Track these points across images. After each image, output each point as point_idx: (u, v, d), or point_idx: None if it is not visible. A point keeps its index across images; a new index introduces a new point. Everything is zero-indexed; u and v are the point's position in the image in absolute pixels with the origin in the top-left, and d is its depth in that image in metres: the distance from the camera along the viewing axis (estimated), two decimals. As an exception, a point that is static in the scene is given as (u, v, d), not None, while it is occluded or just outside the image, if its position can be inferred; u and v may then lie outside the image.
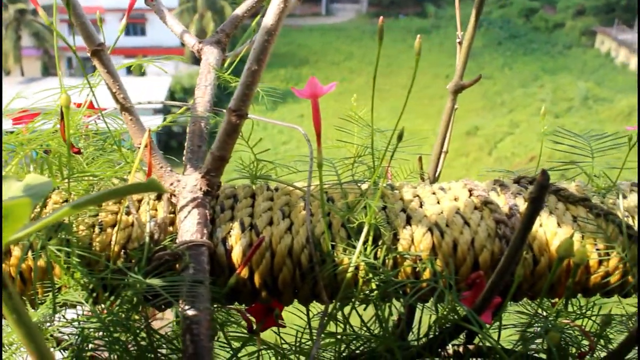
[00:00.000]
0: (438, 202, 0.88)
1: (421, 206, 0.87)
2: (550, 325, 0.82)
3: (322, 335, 0.82)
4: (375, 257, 0.80)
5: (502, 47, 27.93)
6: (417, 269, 0.81)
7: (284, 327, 0.87)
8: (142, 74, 23.10)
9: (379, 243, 0.81)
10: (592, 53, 27.78)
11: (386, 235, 0.81)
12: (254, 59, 0.80)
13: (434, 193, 0.90)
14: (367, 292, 0.80)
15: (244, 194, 0.90)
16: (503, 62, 26.51)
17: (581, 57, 27.34)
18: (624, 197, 0.90)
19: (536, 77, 25.03)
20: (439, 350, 0.85)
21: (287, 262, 0.81)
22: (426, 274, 0.81)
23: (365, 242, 0.80)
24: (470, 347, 0.88)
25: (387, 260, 0.81)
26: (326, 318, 0.80)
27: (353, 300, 0.81)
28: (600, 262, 0.83)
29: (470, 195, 0.89)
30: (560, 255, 0.73)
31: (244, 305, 0.87)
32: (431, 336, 0.82)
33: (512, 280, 0.82)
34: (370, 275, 0.79)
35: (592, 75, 25.28)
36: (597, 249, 0.83)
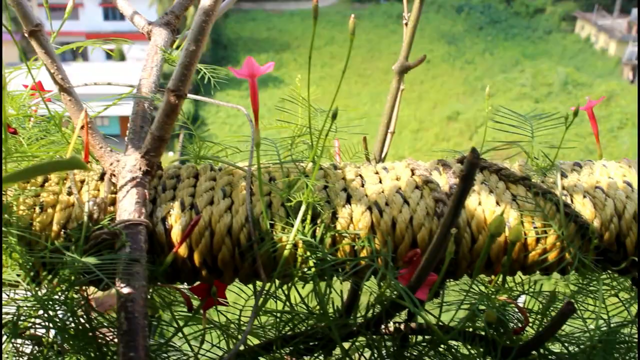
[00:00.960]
0: (380, 182, 0.88)
1: (363, 186, 0.87)
2: (487, 303, 0.83)
3: (264, 313, 0.83)
4: (314, 236, 0.81)
5: (483, 32, 27.96)
6: (356, 247, 0.81)
7: (227, 305, 0.88)
8: (122, 58, 22.93)
9: (318, 222, 0.82)
10: (572, 38, 27.88)
11: (325, 214, 0.82)
12: (192, 40, 0.80)
13: (376, 173, 0.90)
14: (306, 270, 0.81)
15: (187, 174, 0.90)
16: (484, 47, 26.56)
17: (561, 42, 27.44)
18: (564, 176, 0.91)
19: (517, 62, 25.10)
20: (379, 327, 0.86)
21: (226, 241, 0.82)
22: (364, 252, 0.81)
23: (303, 221, 0.81)
24: (412, 324, 0.88)
25: (325, 239, 0.81)
26: (265, 296, 0.80)
27: (294, 278, 0.81)
28: (537, 240, 0.84)
29: (413, 174, 0.89)
30: (491, 233, 0.74)
31: (185, 284, 0.87)
32: (370, 314, 0.82)
33: (452, 258, 0.83)
34: (308, 253, 0.80)
35: (572, 60, 25.40)
36: (535, 227, 0.84)
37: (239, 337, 0.89)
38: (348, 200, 0.84)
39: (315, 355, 0.88)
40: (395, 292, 0.79)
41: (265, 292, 0.81)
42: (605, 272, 0.88)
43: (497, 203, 0.85)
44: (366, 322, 0.82)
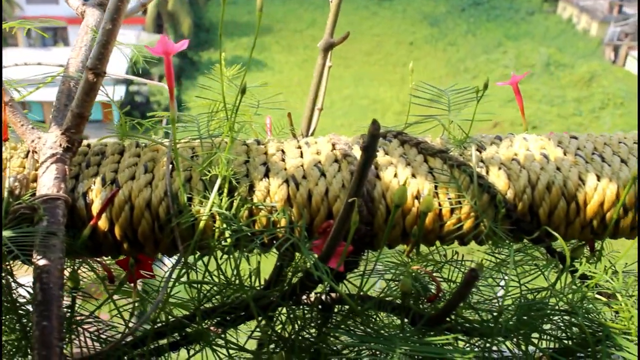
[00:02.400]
0: (301, 156, 0.90)
1: (283, 160, 0.89)
2: (404, 272, 0.85)
3: (184, 285, 0.85)
4: (231, 208, 0.83)
5: (465, 14, 27.95)
6: (272, 219, 0.83)
7: (153, 277, 0.90)
8: (102, 43, 22.74)
9: (235, 195, 0.83)
10: (554, 19, 27.92)
11: (241, 187, 0.84)
12: (108, 19, 0.81)
13: (298, 147, 0.92)
14: (223, 242, 0.83)
15: (112, 151, 0.91)
16: (466, 29, 26.56)
17: (543, 24, 27.48)
18: (483, 148, 0.93)
19: (499, 44, 25.13)
20: (299, 298, 0.88)
21: (145, 215, 0.83)
22: (281, 224, 0.83)
23: (221, 194, 0.83)
24: (333, 295, 0.91)
25: (241, 211, 0.83)
26: (182, 267, 0.82)
27: (211, 250, 0.83)
28: (452, 211, 0.86)
29: (333, 149, 0.91)
30: (395, 203, 0.76)
31: (110, 257, 0.89)
32: (287, 285, 0.84)
33: (370, 230, 0.86)
34: (224, 225, 0.82)
35: (554, 41, 25.45)
36: (449, 198, 0.86)
37: (167, 308, 0.90)
38: (267, 174, 0.86)
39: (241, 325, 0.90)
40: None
41: (183, 263, 0.83)
42: (519, 241, 0.90)
43: (413, 175, 0.87)
44: (284, 293, 0.84)
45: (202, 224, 0.81)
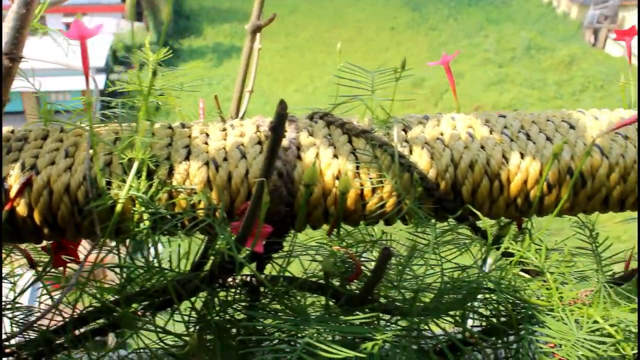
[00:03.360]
0: (225, 139, 0.90)
1: (206, 143, 0.89)
2: (328, 252, 0.85)
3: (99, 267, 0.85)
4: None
5: (446, -2, 27.95)
6: (192, 202, 0.83)
7: (78, 262, 0.89)
8: (84, 32, 22.56)
9: (154, 178, 0.83)
10: (534, 2, 27.94)
11: (160, 170, 0.83)
12: (22, 3, 0.81)
13: (223, 130, 0.92)
14: (143, 225, 0.83)
15: (35, 136, 0.91)
16: (448, 13, 26.55)
17: (524, 7, 27.49)
18: (409, 128, 0.93)
19: (481, 28, 25.15)
20: (224, 280, 0.88)
21: (64, 199, 0.83)
22: (201, 207, 0.83)
23: (139, 178, 0.82)
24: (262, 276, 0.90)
25: (160, 194, 0.83)
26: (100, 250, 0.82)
27: (130, 234, 0.83)
28: (373, 190, 0.86)
29: (257, 131, 0.91)
30: (304, 183, 0.76)
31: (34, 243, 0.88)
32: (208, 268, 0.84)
33: (291, 211, 0.85)
34: (142, 208, 0.81)
35: (535, 24, 25.50)
36: (371, 178, 0.86)
37: (98, 294, 0.90)
38: (188, 157, 0.86)
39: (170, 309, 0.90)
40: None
41: (102, 247, 0.83)
42: (444, 220, 0.91)
43: (336, 156, 0.87)
44: (204, 276, 0.84)
45: (119, 207, 0.81)
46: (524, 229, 0.96)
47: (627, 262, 1.02)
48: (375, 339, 0.75)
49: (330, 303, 0.87)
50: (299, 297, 0.89)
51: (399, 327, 0.84)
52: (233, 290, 0.89)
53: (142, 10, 22.75)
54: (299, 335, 0.72)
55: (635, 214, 1.03)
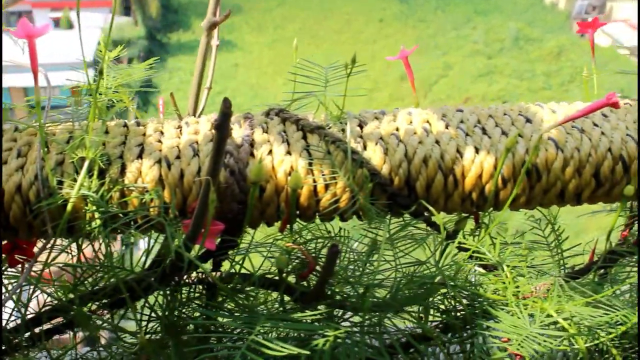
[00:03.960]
0: (179, 137, 0.90)
1: (160, 141, 0.88)
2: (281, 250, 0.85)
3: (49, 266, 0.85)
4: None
5: (435, -10, 27.93)
6: (144, 200, 0.83)
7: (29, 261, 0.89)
8: (70, 27, 22.47)
9: (106, 177, 0.83)
10: (522, -7, 27.99)
11: (111, 169, 0.83)
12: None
13: (178, 127, 0.92)
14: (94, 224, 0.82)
15: (-11, 135, 0.90)
16: (436, 5, 26.53)
17: (512, -2, 27.54)
18: (365, 124, 0.93)
19: (469, 19, 25.16)
20: (180, 278, 0.88)
21: (16, 199, 0.83)
22: (154, 205, 0.83)
23: (91, 177, 0.82)
24: (218, 273, 0.91)
25: (112, 193, 0.83)
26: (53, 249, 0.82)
27: (82, 232, 0.83)
28: (327, 187, 0.86)
29: (212, 128, 0.91)
30: (251, 181, 0.76)
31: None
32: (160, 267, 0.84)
33: (243, 208, 0.85)
34: (94, 207, 0.81)
35: (523, 15, 25.52)
36: (324, 175, 0.86)
37: (57, 293, 0.90)
38: (141, 155, 0.86)
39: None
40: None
41: (57, 246, 0.83)
42: (399, 216, 0.91)
43: (289, 153, 0.87)
44: (158, 274, 0.84)
45: (69, 206, 0.81)
46: (481, 223, 0.96)
47: (591, 254, 1.03)
48: (327, 335, 0.75)
49: (291, 300, 0.87)
50: (257, 294, 0.89)
51: (351, 324, 0.84)
52: (188, 288, 0.89)
53: (130, 4, 22.67)
54: (248, 332, 0.72)
55: (595, 207, 1.03)
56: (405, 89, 21.41)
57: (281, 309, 0.86)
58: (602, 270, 1.02)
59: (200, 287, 0.90)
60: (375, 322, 0.87)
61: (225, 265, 0.91)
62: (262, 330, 0.71)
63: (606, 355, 0.89)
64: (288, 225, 0.87)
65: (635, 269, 0.94)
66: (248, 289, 0.88)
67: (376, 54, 23.27)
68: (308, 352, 0.69)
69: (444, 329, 0.95)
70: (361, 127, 0.93)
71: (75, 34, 20.88)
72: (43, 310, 0.89)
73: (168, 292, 0.86)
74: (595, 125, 0.95)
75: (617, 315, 0.81)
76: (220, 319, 0.82)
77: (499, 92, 20.64)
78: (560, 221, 1.08)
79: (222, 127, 0.69)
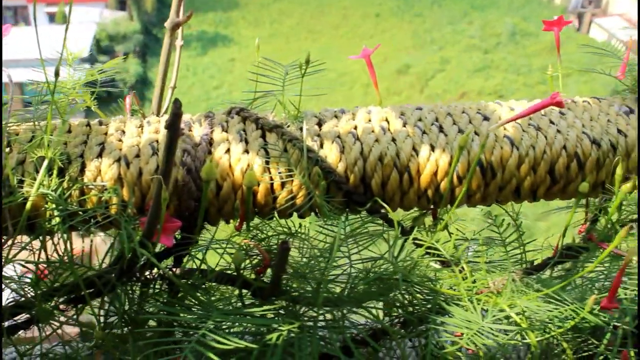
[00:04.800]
0: (140, 135, 0.91)
1: (121, 140, 0.90)
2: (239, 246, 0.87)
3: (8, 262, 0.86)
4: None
5: (431, -15, 27.90)
6: (103, 199, 0.85)
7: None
8: (64, 22, 22.40)
9: (66, 175, 0.85)
10: (519, -12, 27.96)
11: (71, 168, 0.85)
12: None
13: (140, 126, 0.93)
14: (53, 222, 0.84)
15: (-47, 134, 0.92)
16: (432, 0, 26.52)
17: (509, -8, 27.51)
18: (323, 122, 0.95)
19: (465, 14, 25.13)
20: (142, 274, 0.90)
21: (-23, 198, 0.84)
22: (113, 203, 0.85)
23: (51, 175, 0.84)
24: (177, 270, 0.92)
25: (72, 191, 0.84)
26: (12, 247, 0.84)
27: (42, 230, 0.85)
28: (283, 184, 0.88)
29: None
30: (204, 180, 0.78)
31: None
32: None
33: (196, 204, 0.87)
34: (53, 205, 0.83)
35: (519, 10, 25.48)
36: (280, 173, 0.88)
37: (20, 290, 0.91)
38: (100, 154, 0.87)
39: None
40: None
41: (16, 243, 0.84)
42: (356, 213, 0.93)
43: (247, 151, 0.89)
44: (117, 271, 0.86)
45: (29, 204, 0.82)
46: (439, 219, 0.98)
47: (555, 249, 1.04)
48: (281, 329, 0.77)
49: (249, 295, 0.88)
50: (217, 290, 0.91)
51: (312, 319, 0.86)
52: (152, 284, 0.91)
53: (125, -1, 22.65)
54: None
55: (557, 203, 1.05)
56: (402, 83, 21.40)
57: (240, 304, 0.88)
58: (566, 266, 1.03)
59: (161, 282, 0.92)
60: (331, 318, 0.88)
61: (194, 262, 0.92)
62: (212, 325, 0.73)
63: (557, 350, 0.91)
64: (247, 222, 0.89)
65: (587, 264, 0.96)
66: (207, 284, 0.89)
67: (372, 48, 23.22)
68: (256, 346, 0.70)
69: (403, 324, 0.96)
70: (320, 125, 0.94)
71: (70, 29, 20.81)
72: (5, 306, 0.91)
73: (128, 288, 0.87)
74: (552, 123, 0.97)
75: (566, 310, 0.82)
76: (183, 314, 0.83)
77: (495, 87, 20.63)
78: (531, 218, 1.10)
79: (173, 127, 0.71)
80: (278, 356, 0.76)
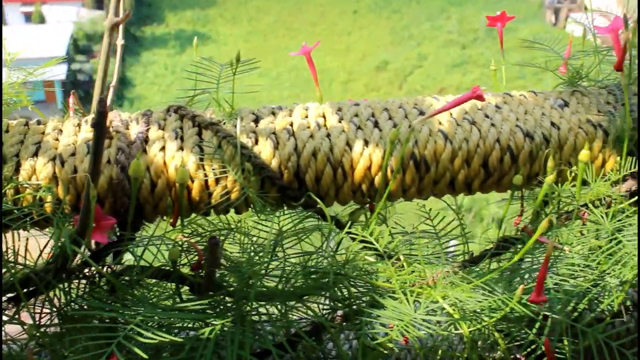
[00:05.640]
0: (76, 134, 0.92)
1: (57, 139, 0.91)
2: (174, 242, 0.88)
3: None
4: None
5: (409, -20, 27.97)
6: (38, 197, 0.85)
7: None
8: (42, 21, 22.27)
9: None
10: (496, -17, 28.10)
11: (6, 167, 0.86)
12: None
13: (77, 125, 0.94)
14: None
15: None
16: (410, -4, 26.62)
17: (486, -12, 27.64)
18: (260, 119, 0.96)
19: (442, 10, 25.24)
20: (81, 271, 0.91)
21: None
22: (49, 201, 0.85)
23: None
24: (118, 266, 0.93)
25: (7, 190, 0.85)
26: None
27: None
28: (217, 181, 0.89)
29: (110, 126, 0.93)
30: (132, 176, 0.79)
31: None
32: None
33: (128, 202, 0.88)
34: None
35: (497, 5, 25.58)
36: (214, 169, 0.89)
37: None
38: (37, 153, 0.88)
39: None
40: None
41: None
42: (292, 208, 0.94)
43: (182, 148, 0.90)
44: (52, 269, 0.87)
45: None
46: (378, 213, 1.00)
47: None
48: (214, 324, 0.78)
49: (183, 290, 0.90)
50: (157, 285, 0.92)
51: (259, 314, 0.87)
52: (89, 280, 0.92)
53: (102, -3, 22.48)
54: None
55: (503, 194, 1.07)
56: (381, 80, 21.48)
57: (178, 299, 0.89)
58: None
59: (98, 279, 0.93)
60: (279, 312, 0.90)
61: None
62: (140, 320, 0.74)
63: (490, 340, 0.93)
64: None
65: (530, 256, 0.98)
66: (148, 281, 0.90)
67: (351, 45, 23.30)
68: (180, 339, 0.72)
69: (344, 318, 0.98)
70: (257, 122, 0.96)
71: (47, 28, 20.70)
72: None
73: (65, 286, 0.88)
74: (487, 117, 0.99)
75: (495, 301, 0.84)
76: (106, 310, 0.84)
77: (473, 82, 20.68)
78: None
79: (98, 125, 0.72)
80: (210, 350, 0.77)
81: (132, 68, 21.64)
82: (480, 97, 0.80)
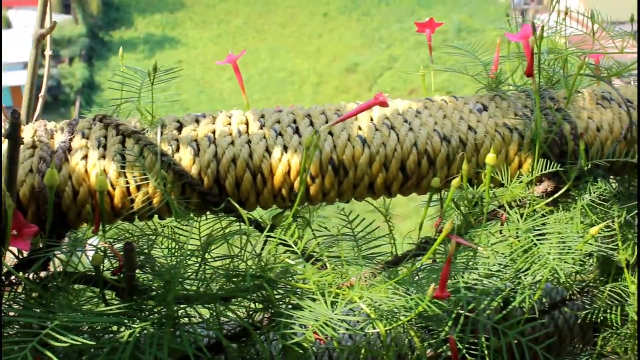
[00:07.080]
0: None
1: None
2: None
3: None
4: None
5: (378, -17, 28.12)
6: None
7: None
8: (8, 26, 22.03)
9: None
10: (464, -15, 28.35)
11: None
12: None
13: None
14: None
15: None
16: (379, -1, 26.77)
17: (455, -10, 27.87)
18: (184, 127, 0.98)
19: (412, 12, 25.40)
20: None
21: None
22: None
23: None
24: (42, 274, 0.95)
25: None
26: None
27: None
28: (139, 188, 0.91)
29: (35, 135, 0.95)
30: (47, 185, 0.81)
31: None
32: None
33: (58, 210, 0.90)
34: None
35: (465, 7, 25.86)
36: (135, 177, 0.91)
37: None
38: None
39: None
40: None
41: None
42: (214, 213, 0.97)
43: (104, 157, 0.92)
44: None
45: None
46: (301, 217, 1.03)
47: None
48: (134, 327, 0.81)
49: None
50: (84, 291, 0.94)
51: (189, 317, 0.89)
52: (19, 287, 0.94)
53: (70, 2, 22.34)
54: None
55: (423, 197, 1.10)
56: (351, 82, 21.55)
57: (103, 304, 0.91)
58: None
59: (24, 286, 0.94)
60: (210, 315, 0.92)
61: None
62: (56, 325, 0.76)
63: (408, 338, 0.97)
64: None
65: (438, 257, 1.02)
66: (76, 287, 0.92)
67: (322, 48, 23.35)
68: (92, 343, 0.74)
69: (270, 321, 1.01)
70: (180, 130, 0.98)
71: (13, 33, 20.49)
72: None
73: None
74: (406, 122, 1.02)
75: (408, 301, 0.87)
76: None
77: (443, 84, 20.89)
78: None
79: (12, 137, 0.75)
80: (128, 353, 0.80)
81: (100, 73, 21.50)
82: (383, 104, 0.84)
